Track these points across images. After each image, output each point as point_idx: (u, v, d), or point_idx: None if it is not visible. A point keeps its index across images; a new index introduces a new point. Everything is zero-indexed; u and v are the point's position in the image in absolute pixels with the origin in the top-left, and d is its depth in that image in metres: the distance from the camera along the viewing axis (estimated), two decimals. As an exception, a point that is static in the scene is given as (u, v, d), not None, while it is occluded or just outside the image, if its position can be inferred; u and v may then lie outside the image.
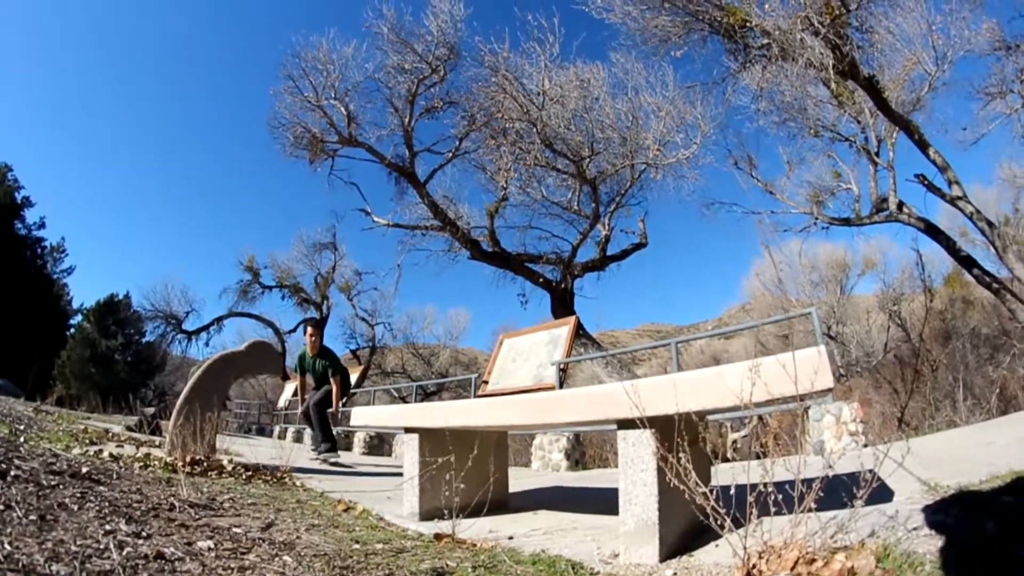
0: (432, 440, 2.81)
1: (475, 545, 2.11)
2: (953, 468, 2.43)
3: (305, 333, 6.27)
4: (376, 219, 13.30)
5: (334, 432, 6.14)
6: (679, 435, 1.69)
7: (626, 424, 1.90)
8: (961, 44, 10.53)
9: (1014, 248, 9.64)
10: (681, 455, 1.64)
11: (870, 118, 11.75)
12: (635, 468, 1.87)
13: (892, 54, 10.56)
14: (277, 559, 1.67)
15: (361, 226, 13.87)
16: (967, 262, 10.51)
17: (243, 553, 1.68)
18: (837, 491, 1.46)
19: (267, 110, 13.31)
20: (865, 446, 3.63)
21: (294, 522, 2.37)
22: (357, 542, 2.09)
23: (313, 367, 6.17)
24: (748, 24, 9.26)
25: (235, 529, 2.01)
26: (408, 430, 2.91)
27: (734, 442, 8.97)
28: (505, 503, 3.07)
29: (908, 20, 10.06)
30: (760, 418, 7.59)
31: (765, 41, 9.11)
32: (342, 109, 11.84)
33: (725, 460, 6.64)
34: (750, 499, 1.47)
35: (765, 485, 1.45)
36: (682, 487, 1.61)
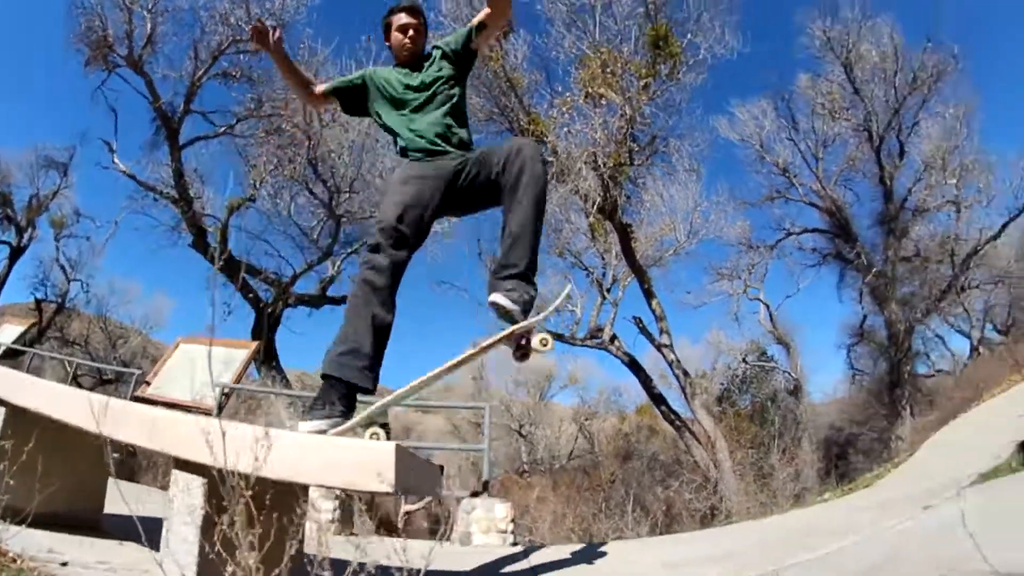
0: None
1: (15, 561, 1.60)
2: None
3: (390, 27, 2.32)
4: (116, 161, 11.46)
5: None
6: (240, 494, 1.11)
7: (183, 466, 1.56)
8: (715, 230, 13.31)
9: (702, 397, 11.66)
10: (237, 518, 1.13)
11: (614, 259, 13.66)
12: (179, 519, 1.53)
13: (655, 215, 12.71)
14: None
15: (100, 161, 11.85)
16: (658, 399, 12.36)
17: None
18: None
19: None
20: (514, 544, 3.49)
21: None
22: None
23: (417, 98, 2.25)
24: (544, 139, 10.18)
25: None
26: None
27: (407, 514, 8.76)
28: (97, 524, 2.35)
29: (680, 194, 12.26)
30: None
31: (550, 158, 10.06)
32: (148, 25, 10.16)
33: (393, 532, 6.52)
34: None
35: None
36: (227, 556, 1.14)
